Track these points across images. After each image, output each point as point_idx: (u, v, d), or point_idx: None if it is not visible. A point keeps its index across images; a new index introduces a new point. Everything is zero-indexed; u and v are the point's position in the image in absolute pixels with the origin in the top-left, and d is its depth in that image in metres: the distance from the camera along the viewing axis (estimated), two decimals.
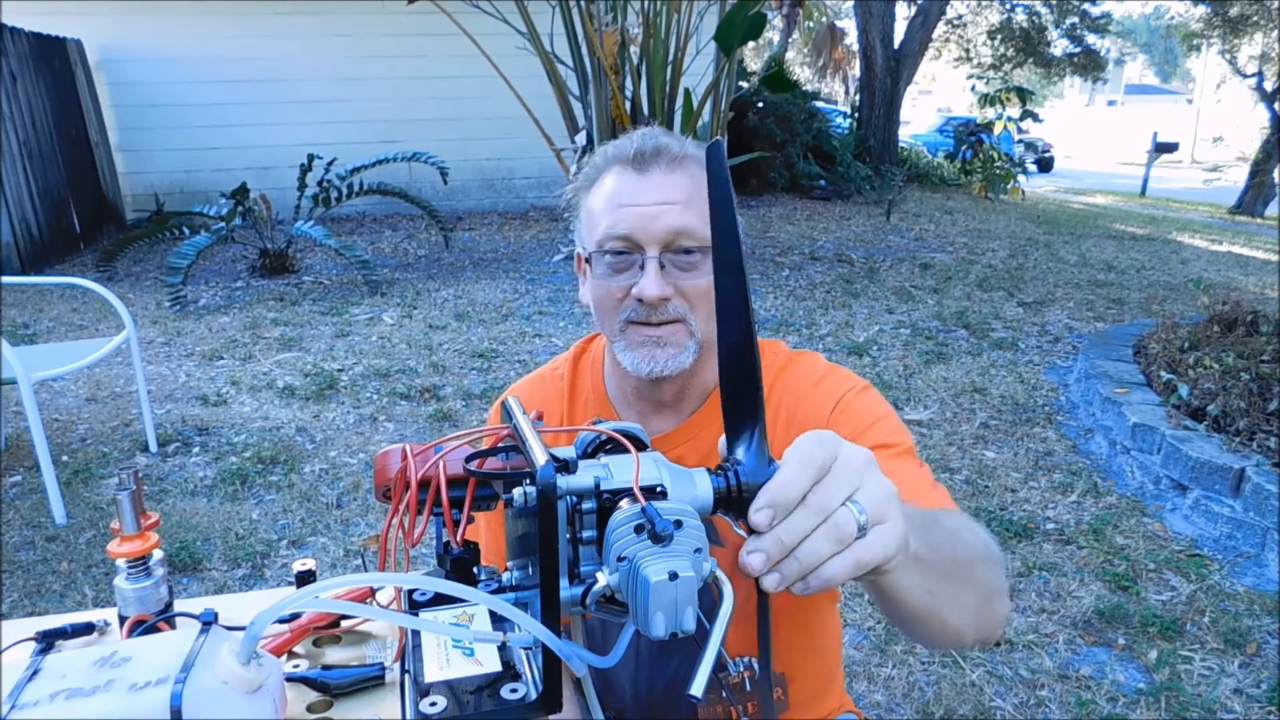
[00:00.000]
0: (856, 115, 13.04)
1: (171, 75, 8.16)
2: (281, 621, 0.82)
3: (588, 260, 0.96)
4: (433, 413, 3.73)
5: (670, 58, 6.16)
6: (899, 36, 12.65)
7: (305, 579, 0.89)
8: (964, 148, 12.98)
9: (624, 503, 0.47)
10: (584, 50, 6.07)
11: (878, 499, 0.51)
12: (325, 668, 0.81)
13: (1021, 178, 11.99)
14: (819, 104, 12.81)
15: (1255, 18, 13.28)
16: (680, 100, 6.24)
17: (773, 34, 16.52)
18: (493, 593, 0.50)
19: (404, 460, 0.53)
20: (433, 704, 0.48)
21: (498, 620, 0.54)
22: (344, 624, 0.86)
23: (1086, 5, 15.93)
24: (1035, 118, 12.56)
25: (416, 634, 0.54)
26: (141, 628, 0.80)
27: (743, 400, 0.52)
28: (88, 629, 0.85)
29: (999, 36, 16.87)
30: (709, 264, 0.91)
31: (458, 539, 0.53)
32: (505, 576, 0.54)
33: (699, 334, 0.93)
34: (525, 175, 9.27)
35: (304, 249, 6.76)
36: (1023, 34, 16.52)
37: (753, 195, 10.35)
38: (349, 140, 8.14)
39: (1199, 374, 3.49)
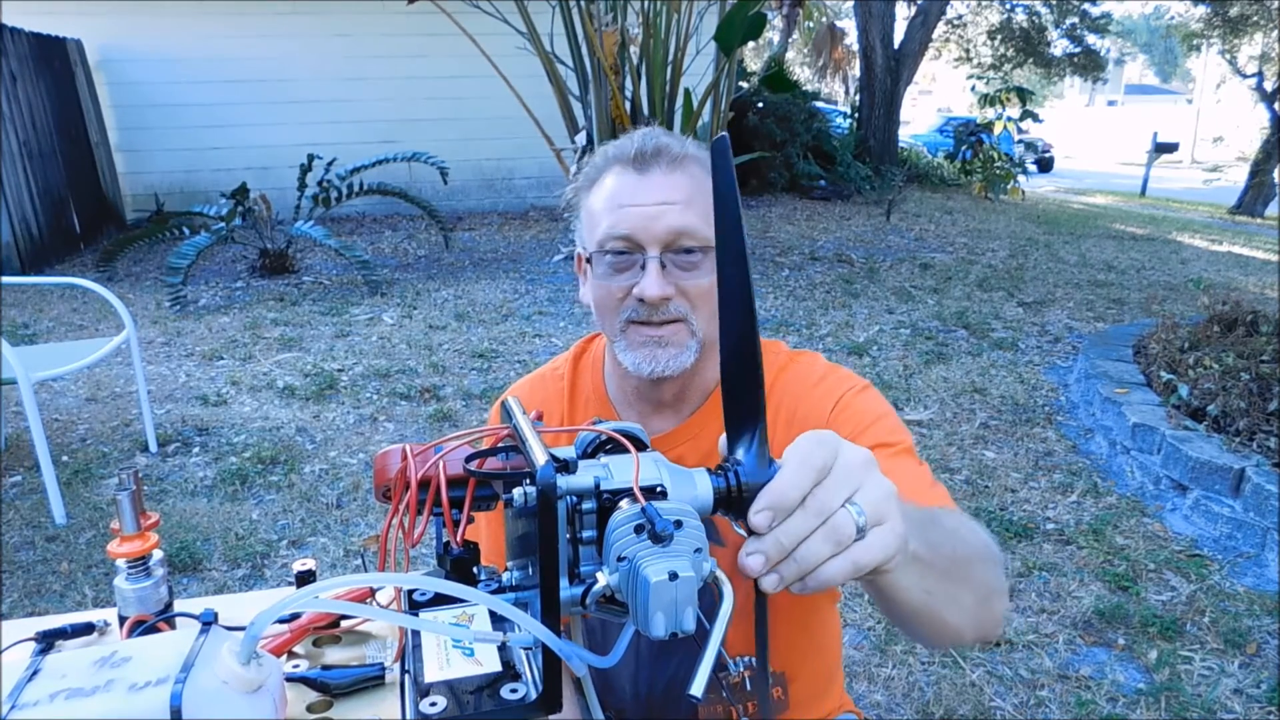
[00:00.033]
0: (856, 115, 13.04)
1: (171, 75, 8.16)
2: (281, 621, 0.82)
3: (588, 260, 0.96)
4: (433, 413, 3.73)
5: (670, 58, 6.16)
6: (899, 36, 12.65)
7: (305, 579, 0.89)
8: (964, 148, 12.98)
9: (624, 503, 0.47)
10: (584, 50, 6.07)
11: (877, 500, 0.51)
12: (325, 668, 0.81)
13: (1021, 178, 11.99)
14: (819, 104, 12.80)
15: (1255, 18, 13.28)
16: (680, 100, 6.24)
17: (773, 34, 16.51)
18: (493, 593, 0.50)
19: (404, 460, 0.53)
20: (433, 704, 0.48)
21: (498, 620, 0.54)
22: (344, 624, 0.86)
23: (1086, 5, 15.93)
24: (1035, 118, 12.56)
25: (416, 634, 0.54)
26: (141, 628, 0.80)
27: (744, 400, 0.52)
28: (88, 629, 0.85)
29: (999, 36, 16.87)
30: (710, 264, 0.91)
31: (458, 539, 0.53)
32: (505, 576, 0.54)
33: (700, 334, 0.93)
34: (525, 175, 9.27)
35: (304, 249, 6.76)
36: (1023, 34, 16.52)
37: (753, 195, 10.35)
38: (349, 140, 8.14)
39: (1199, 374, 3.49)
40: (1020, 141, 12.86)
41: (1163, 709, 2.03)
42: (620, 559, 0.46)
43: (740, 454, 0.51)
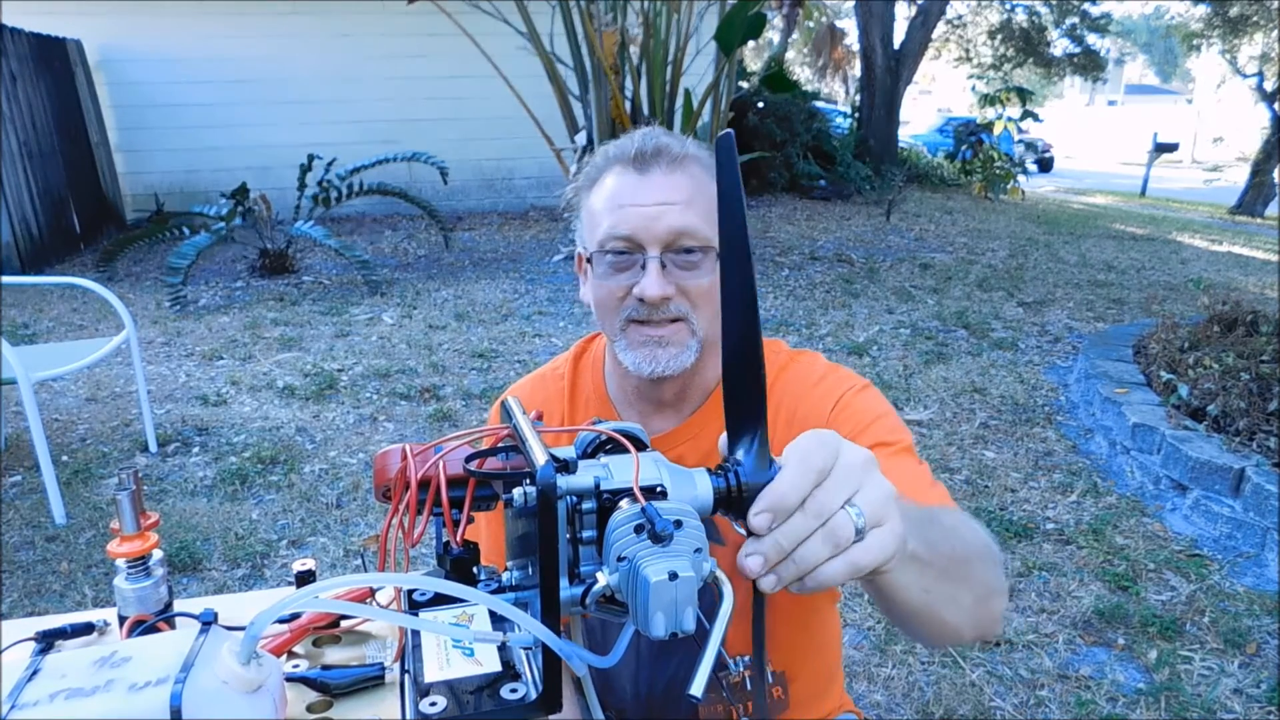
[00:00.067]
0: (856, 115, 13.04)
1: (171, 75, 8.16)
2: (281, 621, 0.82)
3: (589, 260, 0.96)
4: (433, 413, 3.73)
5: (670, 58, 6.16)
6: (899, 36, 12.65)
7: (305, 579, 0.89)
8: (964, 148, 12.99)
9: (624, 503, 0.47)
10: (584, 50, 6.07)
11: (876, 502, 0.51)
12: (325, 668, 0.81)
13: (1021, 178, 11.99)
14: (819, 104, 12.80)
15: (1255, 18, 13.28)
16: (680, 100, 6.25)
17: (773, 34, 16.51)
18: (493, 593, 0.50)
19: (404, 460, 0.53)
20: (433, 704, 0.48)
21: (498, 620, 0.54)
22: (344, 624, 0.86)
23: (1086, 5, 15.93)
24: (1035, 118, 12.56)
25: (416, 634, 0.54)
26: (141, 628, 0.80)
27: (746, 399, 0.52)
28: (87, 629, 0.85)
29: (999, 36, 16.87)
30: (710, 263, 0.91)
31: (458, 539, 0.53)
32: (505, 576, 0.54)
33: (700, 333, 0.93)
34: (525, 175, 9.27)
35: (304, 249, 6.76)
36: (1023, 34, 16.52)
37: (753, 195, 10.35)
38: (349, 140, 8.14)
39: (1199, 374, 3.48)
40: (1020, 141, 12.86)
41: (1163, 709, 2.03)
42: (620, 559, 0.46)
43: (740, 454, 0.51)
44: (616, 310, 0.93)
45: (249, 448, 3.37)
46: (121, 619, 0.82)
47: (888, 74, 12.31)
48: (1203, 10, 14.60)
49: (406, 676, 0.52)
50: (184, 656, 0.50)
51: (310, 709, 0.76)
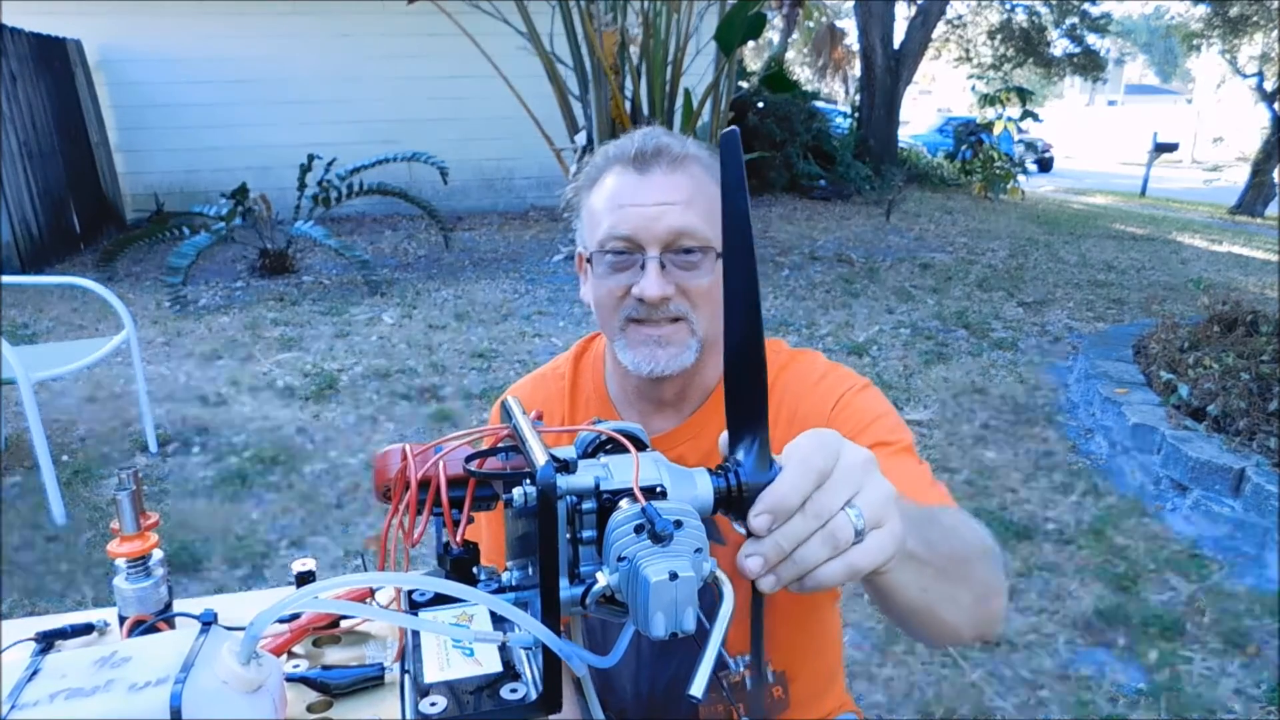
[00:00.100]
0: (856, 115, 13.04)
1: (171, 75, 8.16)
2: (281, 621, 0.82)
3: (589, 260, 0.96)
4: (433, 413, 3.73)
5: (670, 58, 6.16)
6: (899, 36, 12.65)
7: (305, 579, 0.89)
8: (964, 148, 12.99)
9: (624, 503, 0.47)
10: (584, 50, 6.06)
11: (876, 503, 0.51)
12: (325, 668, 0.81)
13: (1021, 178, 11.99)
14: (819, 104, 12.80)
15: (1255, 18, 13.28)
16: (680, 100, 6.24)
17: (773, 34, 16.50)
18: (493, 593, 0.50)
19: (404, 460, 0.53)
20: (433, 704, 0.48)
21: (498, 620, 0.54)
22: (344, 624, 0.86)
23: (1086, 5, 15.92)
24: (1035, 118, 12.56)
25: (416, 634, 0.54)
26: (141, 628, 0.80)
27: (748, 399, 0.52)
28: (87, 629, 0.85)
29: (999, 36, 16.87)
30: (710, 263, 0.91)
31: (458, 539, 0.53)
32: (505, 576, 0.54)
33: (700, 333, 0.93)
34: (525, 175, 9.27)
35: (304, 249, 6.76)
36: (1023, 34, 16.52)
37: (753, 195, 10.25)
38: (349, 140, 8.13)
39: (1199, 374, 3.48)
40: (1020, 141, 12.86)
41: (1163, 709, 2.03)
42: (620, 559, 0.45)
43: (741, 454, 0.51)
44: (616, 310, 0.93)
45: (249, 448, 3.37)
46: (121, 619, 0.82)
47: (888, 74, 12.31)
48: (1203, 10, 14.61)
49: (406, 677, 0.52)
50: (184, 656, 0.50)
51: (310, 709, 0.76)
